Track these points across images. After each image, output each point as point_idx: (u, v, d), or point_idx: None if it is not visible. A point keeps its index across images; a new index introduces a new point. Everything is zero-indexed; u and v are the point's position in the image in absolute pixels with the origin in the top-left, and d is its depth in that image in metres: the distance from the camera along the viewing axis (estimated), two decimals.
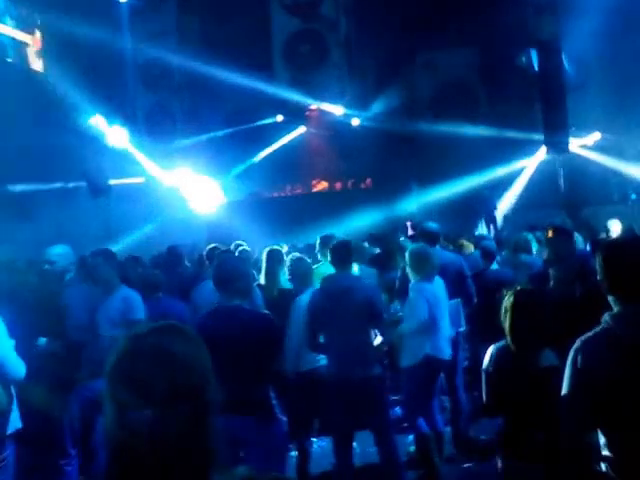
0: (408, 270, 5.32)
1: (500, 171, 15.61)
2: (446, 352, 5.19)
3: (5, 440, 3.61)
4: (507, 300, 3.75)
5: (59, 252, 4.80)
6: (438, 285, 5.26)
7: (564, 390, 2.40)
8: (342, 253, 4.93)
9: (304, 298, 5.08)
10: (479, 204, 15.40)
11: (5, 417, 3.59)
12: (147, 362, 1.36)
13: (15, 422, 3.65)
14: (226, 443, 3.64)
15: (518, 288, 3.85)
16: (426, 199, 15.76)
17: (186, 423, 1.34)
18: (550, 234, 4.99)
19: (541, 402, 3.40)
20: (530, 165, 16.00)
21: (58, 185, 15.64)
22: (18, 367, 3.68)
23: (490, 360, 3.78)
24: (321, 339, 4.83)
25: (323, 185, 17.35)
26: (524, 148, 15.57)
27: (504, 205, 15.99)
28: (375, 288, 5.00)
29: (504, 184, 15.98)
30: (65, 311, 4.44)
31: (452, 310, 5.47)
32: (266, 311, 4.64)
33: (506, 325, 3.68)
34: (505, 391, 3.63)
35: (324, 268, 5.87)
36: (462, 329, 5.80)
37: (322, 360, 4.92)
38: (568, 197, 15.01)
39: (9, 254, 8.50)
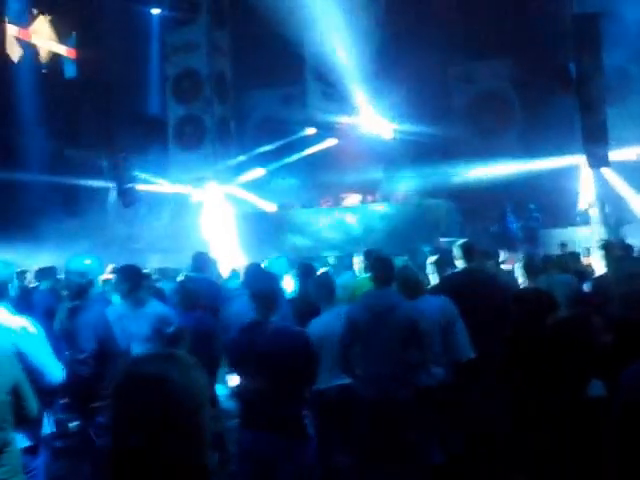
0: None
1: (536, 183, 15.17)
2: (423, 380, 4.79)
3: (38, 447, 3.62)
4: (547, 328, 3.84)
5: (75, 269, 4.54)
6: (424, 308, 4.94)
7: (613, 423, 2.26)
8: (383, 269, 4.83)
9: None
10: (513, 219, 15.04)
11: (37, 425, 3.61)
12: (143, 388, 1.44)
13: (47, 427, 3.76)
14: (256, 459, 3.56)
15: (557, 317, 3.93)
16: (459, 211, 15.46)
17: (179, 448, 1.42)
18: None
19: (586, 432, 3.34)
20: (583, 183, 15.42)
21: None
22: (56, 372, 3.72)
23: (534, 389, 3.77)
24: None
25: (355, 198, 17.05)
26: (561, 160, 15.12)
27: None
28: (418, 309, 4.82)
29: (540, 198, 15.50)
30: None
31: (454, 336, 5.09)
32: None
33: (547, 353, 3.77)
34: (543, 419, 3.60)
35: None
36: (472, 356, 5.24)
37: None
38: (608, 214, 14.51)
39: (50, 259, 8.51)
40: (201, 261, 7.40)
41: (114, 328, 4.39)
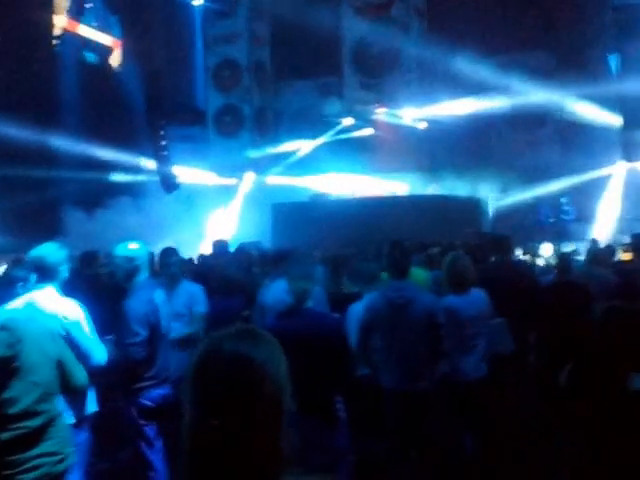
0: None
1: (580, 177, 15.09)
2: (469, 372, 4.90)
3: (82, 423, 3.70)
4: (599, 317, 3.62)
5: (122, 254, 4.54)
6: (470, 300, 4.95)
7: None
8: (399, 260, 4.75)
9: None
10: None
11: (82, 401, 3.72)
12: (226, 369, 1.38)
13: (92, 406, 3.79)
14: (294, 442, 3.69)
15: (611, 305, 3.69)
16: (500, 207, 15.43)
17: (262, 429, 1.37)
18: None
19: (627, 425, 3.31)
20: (616, 175, 15.30)
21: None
22: (99, 354, 3.80)
23: (568, 378, 3.66)
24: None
25: (382, 191, 17.10)
26: (603, 153, 14.95)
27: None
28: (436, 302, 4.78)
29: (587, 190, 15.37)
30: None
31: (496, 330, 5.15)
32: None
33: (594, 343, 3.60)
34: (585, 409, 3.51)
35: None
36: (510, 350, 5.34)
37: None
38: None
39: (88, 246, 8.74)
40: (220, 248, 7.63)
41: (161, 311, 4.44)
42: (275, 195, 17.37)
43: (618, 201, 15.05)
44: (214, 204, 17.48)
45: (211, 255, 7.75)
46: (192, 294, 5.37)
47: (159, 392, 4.18)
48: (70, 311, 3.76)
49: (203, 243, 14.21)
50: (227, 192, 18.13)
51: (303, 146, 18.26)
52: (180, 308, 5.15)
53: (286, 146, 18.29)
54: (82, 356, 3.59)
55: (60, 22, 15.12)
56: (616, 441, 3.39)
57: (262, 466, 1.37)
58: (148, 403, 4.20)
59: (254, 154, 18.39)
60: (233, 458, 1.35)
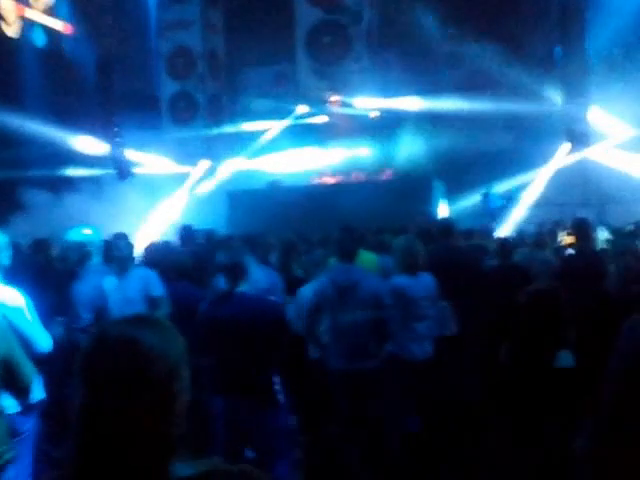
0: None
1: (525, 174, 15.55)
2: (416, 353, 5.11)
3: (29, 411, 3.64)
4: (522, 298, 3.74)
5: (74, 239, 4.55)
6: (420, 283, 5.16)
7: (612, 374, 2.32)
8: (346, 244, 4.87)
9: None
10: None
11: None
12: (112, 354, 1.38)
13: (39, 393, 3.71)
14: (229, 424, 3.78)
15: (534, 287, 3.83)
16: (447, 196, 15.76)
17: (149, 414, 1.36)
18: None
19: (555, 402, 3.42)
20: (554, 161, 15.85)
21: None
22: (43, 342, 3.74)
23: (506, 357, 3.80)
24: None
25: (332, 178, 17.31)
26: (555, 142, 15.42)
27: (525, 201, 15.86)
28: (382, 285, 4.92)
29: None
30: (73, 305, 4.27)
31: (440, 312, 5.35)
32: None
33: (521, 323, 3.71)
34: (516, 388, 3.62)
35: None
36: (449, 333, 5.52)
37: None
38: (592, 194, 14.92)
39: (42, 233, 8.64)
40: (187, 233, 7.54)
41: (112, 297, 4.45)
42: (231, 182, 17.45)
43: (542, 185, 15.63)
44: (175, 192, 17.52)
45: (179, 241, 7.60)
46: (146, 279, 5.23)
47: None
48: (11, 298, 3.63)
49: (141, 231, 14.22)
50: (187, 180, 18.13)
51: (258, 132, 18.32)
52: (132, 294, 5.03)
53: (241, 131, 18.32)
54: (26, 344, 3.49)
55: (8, 6, 14.81)
56: (543, 417, 3.55)
57: (150, 450, 1.37)
58: None
59: (209, 138, 18.37)
60: (119, 442, 1.35)
